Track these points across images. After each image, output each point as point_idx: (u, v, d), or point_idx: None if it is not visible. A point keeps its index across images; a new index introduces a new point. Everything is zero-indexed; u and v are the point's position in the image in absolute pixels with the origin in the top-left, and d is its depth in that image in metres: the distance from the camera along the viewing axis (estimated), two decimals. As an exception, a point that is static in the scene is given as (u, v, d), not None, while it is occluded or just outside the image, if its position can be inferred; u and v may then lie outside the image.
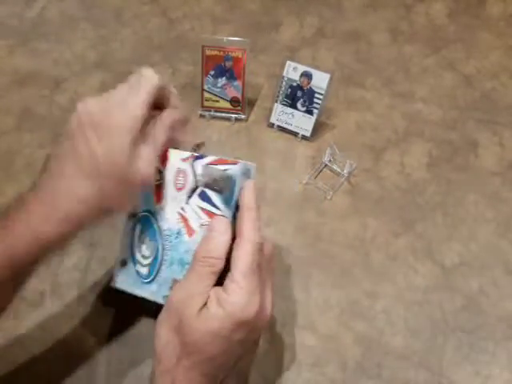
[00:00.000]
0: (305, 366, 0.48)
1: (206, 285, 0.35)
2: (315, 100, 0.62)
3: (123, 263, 0.44)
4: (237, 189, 0.37)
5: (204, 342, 0.33)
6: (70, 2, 0.83)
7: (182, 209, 0.40)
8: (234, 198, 0.38)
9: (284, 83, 0.63)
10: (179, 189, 0.40)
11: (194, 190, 0.40)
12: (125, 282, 0.44)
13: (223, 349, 0.34)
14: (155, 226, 0.42)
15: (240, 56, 0.63)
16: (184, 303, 0.34)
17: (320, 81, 0.61)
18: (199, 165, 0.39)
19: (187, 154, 0.41)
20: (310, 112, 0.64)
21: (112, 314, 0.50)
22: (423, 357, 0.49)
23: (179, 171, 0.40)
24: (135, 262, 0.43)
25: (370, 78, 0.73)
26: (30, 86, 0.71)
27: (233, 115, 0.67)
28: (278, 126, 0.66)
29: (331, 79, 0.61)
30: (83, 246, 0.55)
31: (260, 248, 0.35)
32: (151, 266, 0.42)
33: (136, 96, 0.36)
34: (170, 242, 0.41)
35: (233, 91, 0.66)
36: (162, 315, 0.35)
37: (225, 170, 0.38)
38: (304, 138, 0.65)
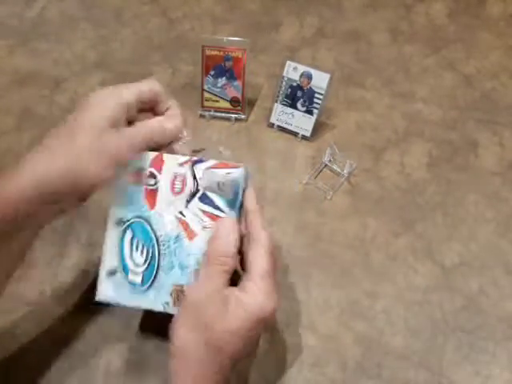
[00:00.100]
0: (305, 366, 0.48)
1: (221, 284, 0.36)
2: (315, 100, 0.62)
3: (111, 273, 0.41)
4: (241, 191, 0.39)
5: (225, 342, 0.34)
6: (70, 2, 0.83)
7: (181, 213, 0.40)
8: (239, 200, 0.39)
9: (284, 83, 0.63)
10: (177, 193, 0.40)
11: (194, 194, 0.40)
12: (114, 293, 0.41)
13: (239, 348, 0.35)
14: (149, 231, 0.41)
15: (240, 56, 0.63)
16: (201, 303, 0.35)
17: (320, 81, 0.61)
18: (200, 169, 0.40)
19: (184, 158, 0.41)
20: (309, 112, 0.64)
21: (112, 314, 0.50)
22: (423, 357, 0.49)
23: (176, 176, 0.40)
24: (127, 270, 0.41)
25: (369, 78, 0.73)
26: (30, 86, 0.71)
27: (233, 115, 0.67)
28: (278, 126, 0.66)
29: (331, 79, 0.61)
30: (83, 246, 0.55)
31: (273, 248, 0.38)
32: (146, 273, 0.41)
33: (129, 86, 0.40)
34: (168, 247, 0.40)
35: (233, 91, 0.66)
36: (179, 316, 0.36)
37: (227, 173, 0.39)
38: (304, 137, 0.65)
